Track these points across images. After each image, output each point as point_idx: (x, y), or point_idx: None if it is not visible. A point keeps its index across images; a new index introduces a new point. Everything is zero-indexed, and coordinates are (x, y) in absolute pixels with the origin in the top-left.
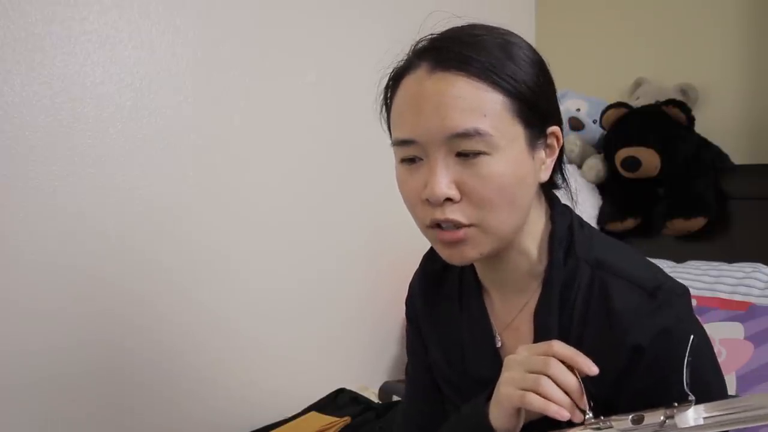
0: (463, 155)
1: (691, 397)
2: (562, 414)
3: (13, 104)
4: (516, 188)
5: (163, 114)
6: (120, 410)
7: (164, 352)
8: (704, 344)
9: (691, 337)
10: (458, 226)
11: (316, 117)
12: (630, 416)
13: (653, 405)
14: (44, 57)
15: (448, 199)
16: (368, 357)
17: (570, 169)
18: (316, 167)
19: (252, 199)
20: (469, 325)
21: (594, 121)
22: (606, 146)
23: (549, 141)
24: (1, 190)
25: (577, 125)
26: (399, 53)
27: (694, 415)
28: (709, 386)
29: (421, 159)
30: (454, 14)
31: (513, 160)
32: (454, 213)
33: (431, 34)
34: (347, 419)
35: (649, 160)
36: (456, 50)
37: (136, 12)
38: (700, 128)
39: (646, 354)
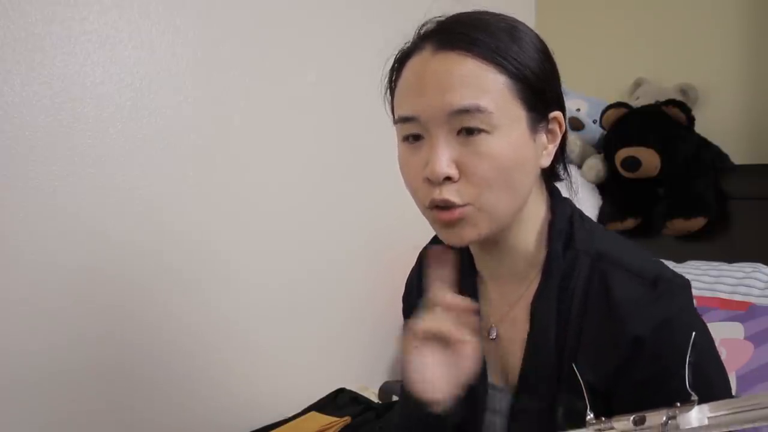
0: (464, 133)
1: (694, 397)
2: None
3: (13, 104)
4: (514, 170)
5: (163, 114)
6: (119, 411)
7: (164, 353)
8: (705, 338)
9: (693, 333)
10: (453, 206)
11: (317, 117)
12: (631, 417)
13: (653, 395)
14: (44, 57)
15: (448, 178)
16: (368, 357)
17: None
18: (315, 167)
19: (252, 199)
20: None
21: (594, 121)
22: (606, 146)
23: (551, 126)
24: (1, 190)
25: (577, 125)
26: (401, 45)
27: (698, 414)
28: (710, 379)
29: (422, 137)
30: (458, 1)
31: (513, 141)
32: (450, 193)
33: (437, 17)
34: (347, 419)
35: (649, 160)
36: (461, 31)
37: (136, 12)
38: (700, 128)
39: (647, 345)
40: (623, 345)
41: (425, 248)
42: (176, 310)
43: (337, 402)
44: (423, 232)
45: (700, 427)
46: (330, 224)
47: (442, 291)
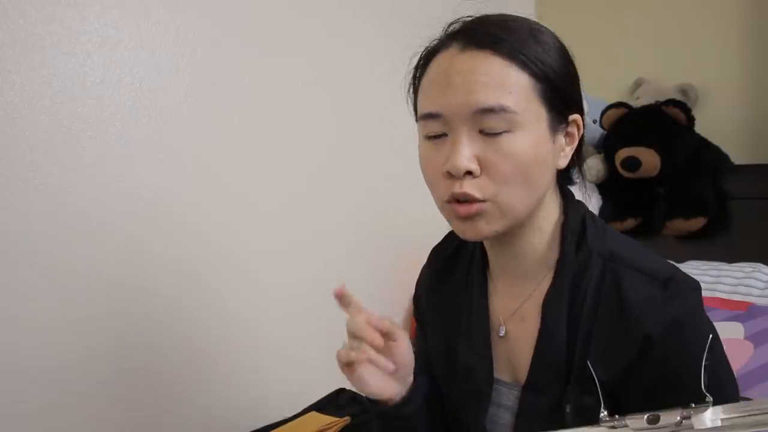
0: (486, 132)
1: (709, 398)
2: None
3: (13, 104)
4: (534, 167)
5: (163, 114)
6: (118, 410)
7: (164, 354)
8: (716, 339)
9: (709, 336)
10: (473, 200)
11: (318, 116)
12: (645, 416)
13: (663, 395)
14: (44, 57)
15: (469, 173)
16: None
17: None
18: (317, 166)
19: (253, 199)
20: (469, 313)
21: (594, 121)
22: (606, 146)
23: (570, 129)
24: (1, 190)
25: None
26: (411, 45)
27: (711, 416)
28: (721, 380)
29: (446, 135)
30: (464, 2)
31: (534, 140)
32: (470, 187)
33: (465, 17)
34: (347, 419)
35: (649, 160)
36: (487, 31)
37: (136, 12)
38: (700, 128)
39: (658, 344)
40: (634, 344)
41: (434, 251)
42: (174, 311)
43: (337, 402)
44: (430, 231)
45: (713, 428)
46: (332, 223)
47: (353, 321)
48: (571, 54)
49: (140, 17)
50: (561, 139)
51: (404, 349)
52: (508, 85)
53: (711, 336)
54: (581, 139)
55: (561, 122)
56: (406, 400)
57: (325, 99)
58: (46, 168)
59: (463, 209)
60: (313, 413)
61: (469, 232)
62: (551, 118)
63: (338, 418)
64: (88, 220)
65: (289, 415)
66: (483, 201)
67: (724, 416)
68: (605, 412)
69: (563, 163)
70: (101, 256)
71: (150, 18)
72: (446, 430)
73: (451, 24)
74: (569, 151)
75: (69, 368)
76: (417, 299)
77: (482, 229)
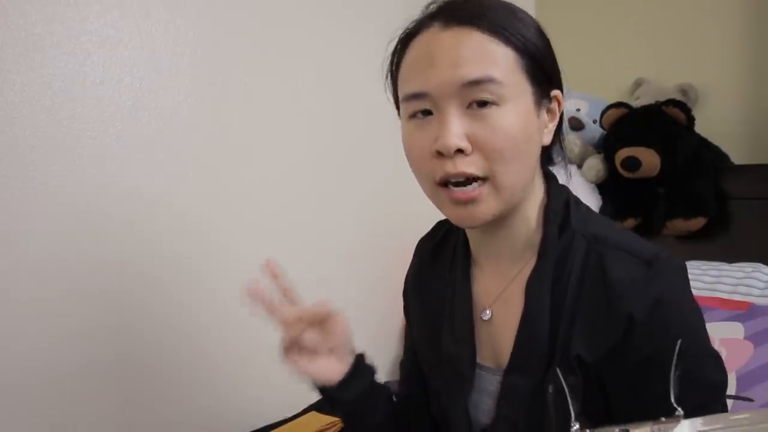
0: (474, 106)
1: (679, 412)
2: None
3: (13, 104)
4: (524, 142)
5: (163, 114)
6: (118, 410)
7: (164, 354)
8: (698, 322)
9: (678, 342)
10: (470, 179)
11: (317, 116)
12: (616, 429)
13: (647, 376)
14: (44, 57)
15: (460, 151)
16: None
17: (570, 169)
18: (317, 166)
19: (253, 198)
20: (452, 298)
21: (594, 121)
22: (606, 146)
23: (551, 105)
24: (1, 190)
25: (577, 125)
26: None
27: (689, 429)
28: (700, 364)
29: (431, 113)
30: None
31: (522, 113)
32: (466, 165)
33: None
34: None
35: (649, 160)
36: (467, 8)
37: (136, 12)
38: (700, 128)
39: (642, 323)
40: (618, 324)
41: (420, 241)
42: (172, 312)
43: None
44: (425, 230)
45: None
46: (334, 223)
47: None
48: (545, 31)
49: (140, 17)
50: (544, 115)
51: (341, 326)
52: (494, 59)
53: (680, 341)
54: (561, 116)
55: (544, 97)
56: (348, 379)
57: (325, 99)
58: (46, 168)
59: (461, 194)
60: (313, 413)
61: (465, 219)
62: (535, 92)
63: (338, 418)
64: (89, 221)
65: (289, 415)
66: (482, 180)
67: (703, 429)
68: (577, 425)
69: (547, 139)
70: (101, 256)
71: (150, 18)
72: (434, 424)
73: (429, 5)
74: (552, 127)
75: (68, 370)
76: (405, 293)
77: (479, 214)
